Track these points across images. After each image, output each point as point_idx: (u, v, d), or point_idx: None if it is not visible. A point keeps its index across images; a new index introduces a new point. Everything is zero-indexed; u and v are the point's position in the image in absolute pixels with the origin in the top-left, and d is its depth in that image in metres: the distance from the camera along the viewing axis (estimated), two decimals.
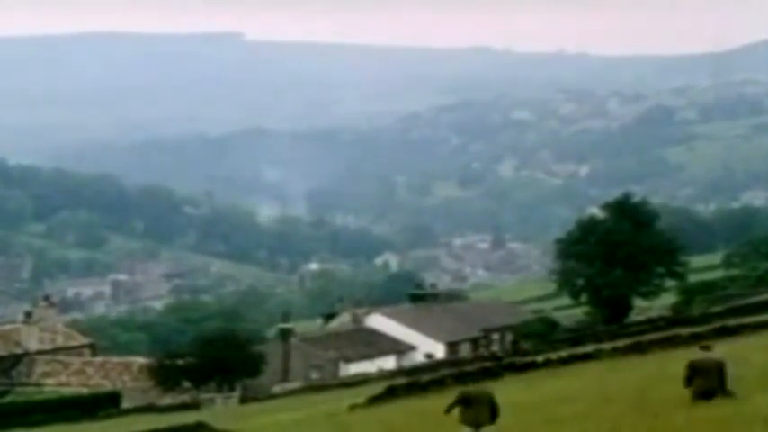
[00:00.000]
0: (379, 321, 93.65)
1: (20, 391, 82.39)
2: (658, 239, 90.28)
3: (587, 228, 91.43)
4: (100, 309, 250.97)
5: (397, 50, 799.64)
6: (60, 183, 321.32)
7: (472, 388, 26.06)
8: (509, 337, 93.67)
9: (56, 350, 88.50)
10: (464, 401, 25.32)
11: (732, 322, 54.13)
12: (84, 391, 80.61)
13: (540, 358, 52.20)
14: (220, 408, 71.56)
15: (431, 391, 47.58)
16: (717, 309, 69.36)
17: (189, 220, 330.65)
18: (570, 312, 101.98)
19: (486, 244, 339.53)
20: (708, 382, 26.21)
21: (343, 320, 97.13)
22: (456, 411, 25.72)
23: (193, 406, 71.87)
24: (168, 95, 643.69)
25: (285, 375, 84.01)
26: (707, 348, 27.14)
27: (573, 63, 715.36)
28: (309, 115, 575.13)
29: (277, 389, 76.67)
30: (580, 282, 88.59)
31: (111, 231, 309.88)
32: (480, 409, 25.11)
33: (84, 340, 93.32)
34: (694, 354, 27.10)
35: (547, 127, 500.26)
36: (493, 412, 25.16)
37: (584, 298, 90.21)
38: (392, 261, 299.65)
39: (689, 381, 26.60)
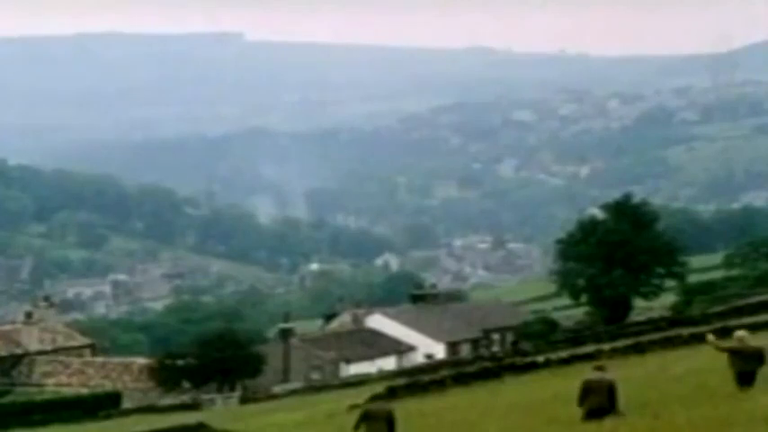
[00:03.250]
0: (379, 322, 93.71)
1: (20, 392, 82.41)
2: (658, 240, 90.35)
3: (587, 228, 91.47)
4: (100, 309, 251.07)
5: (397, 50, 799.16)
6: (60, 183, 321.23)
7: (374, 405, 28.21)
8: (509, 337, 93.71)
9: (56, 350, 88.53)
10: (366, 418, 27.01)
11: (732, 322, 54.13)
12: (85, 391, 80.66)
13: (540, 359, 52.23)
14: (221, 408, 71.59)
15: (431, 391, 47.62)
16: (717, 309, 69.36)
17: (189, 221, 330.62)
18: (570, 313, 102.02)
19: (487, 244, 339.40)
20: (598, 402, 26.83)
21: (343, 321, 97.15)
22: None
23: (194, 406, 71.91)
24: (168, 95, 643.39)
25: (285, 376, 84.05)
26: (601, 369, 27.83)
27: (573, 63, 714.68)
28: (309, 115, 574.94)
29: (277, 389, 76.70)
30: (580, 282, 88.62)
31: (111, 231, 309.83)
32: (379, 426, 26.80)
33: (84, 340, 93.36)
34: (590, 373, 27.69)
35: (547, 127, 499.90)
36: (390, 428, 26.96)
37: (584, 298, 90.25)
38: (392, 261, 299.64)
39: (582, 399, 27.20)
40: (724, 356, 28.49)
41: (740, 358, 27.68)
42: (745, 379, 27.71)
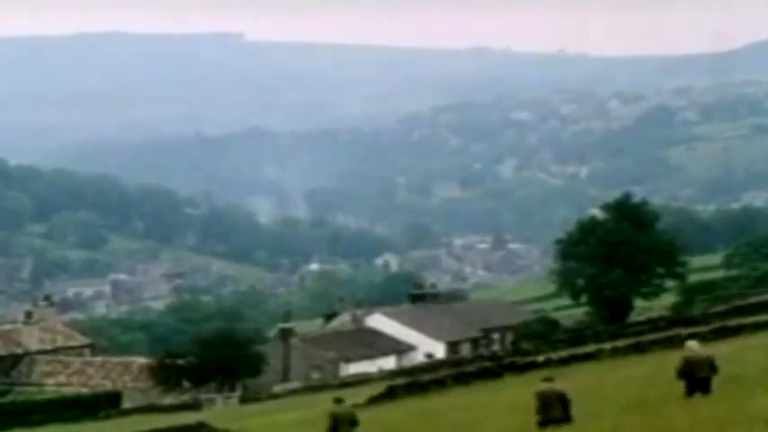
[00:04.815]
0: (379, 321, 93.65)
1: (20, 391, 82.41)
2: (659, 240, 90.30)
3: (588, 228, 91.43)
4: (100, 309, 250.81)
5: (397, 50, 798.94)
6: (60, 183, 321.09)
7: (338, 408, 29.21)
8: (509, 337, 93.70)
9: (56, 350, 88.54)
10: (336, 422, 28.61)
11: (732, 322, 54.22)
12: (85, 391, 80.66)
13: (540, 358, 52.29)
14: (221, 408, 71.61)
15: (431, 391, 47.70)
16: (717, 309, 69.40)
17: (189, 221, 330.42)
18: (570, 312, 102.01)
19: (487, 244, 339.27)
20: (552, 412, 27.81)
21: (343, 320, 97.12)
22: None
23: (194, 406, 71.93)
24: (168, 95, 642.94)
25: (285, 375, 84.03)
26: (550, 380, 28.83)
27: (573, 63, 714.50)
28: (309, 115, 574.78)
29: (277, 389, 76.75)
30: (580, 282, 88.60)
31: (111, 231, 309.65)
32: (345, 429, 28.52)
33: (84, 340, 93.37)
34: (541, 385, 28.65)
35: (547, 127, 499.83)
36: (353, 427, 28.68)
37: (584, 298, 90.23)
38: (392, 261, 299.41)
39: (541, 411, 28.11)
40: (710, 361, 28.71)
41: (697, 367, 28.49)
42: (700, 386, 28.45)
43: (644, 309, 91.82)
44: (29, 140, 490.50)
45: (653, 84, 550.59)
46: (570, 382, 40.26)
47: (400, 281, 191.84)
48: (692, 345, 29.43)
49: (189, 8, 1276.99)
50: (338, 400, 29.48)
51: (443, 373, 54.14)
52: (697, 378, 28.48)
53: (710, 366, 28.56)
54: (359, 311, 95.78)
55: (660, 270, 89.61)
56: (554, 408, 27.66)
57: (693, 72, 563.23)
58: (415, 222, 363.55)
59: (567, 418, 27.74)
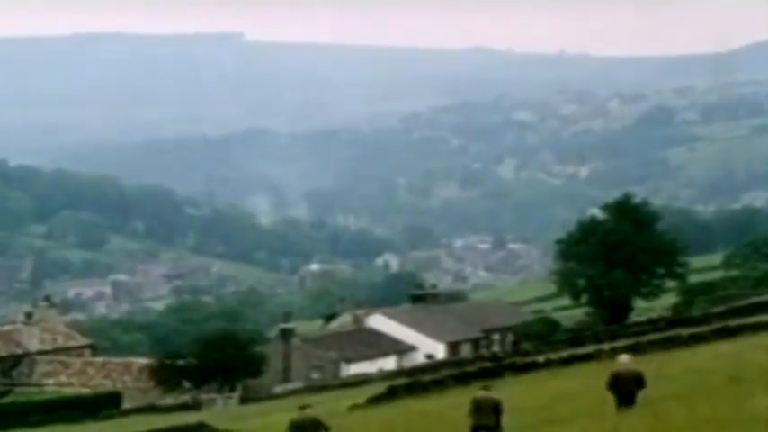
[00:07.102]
0: (379, 322, 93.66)
1: (20, 392, 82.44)
2: (659, 240, 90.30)
3: (588, 228, 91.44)
4: (100, 309, 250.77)
5: (397, 50, 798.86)
6: (61, 183, 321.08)
7: (299, 416, 29.56)
8: (510, 337, 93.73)
9: (56, 350, 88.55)
10: (294, 429, 29.24)
11: (732, 323, 54.26)
12: (85, 391, 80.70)
13: (540, 358, 52.32)
14: (221, 408, 71.67)
15: (432, 391, 47.72)
16: (717, 309, 69.45)
17: (189, 221, 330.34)
18: (571, 313, 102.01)
19: (487, 244, 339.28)
20: (485, 419, 28.23)
21: (343, 321, 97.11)
22: None
23: (194, 406, 72.00)
24: (168, 96, 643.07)
25: (286, 376, 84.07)
26: (487, 388, 29.25)
27: (573, 63, 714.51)
28: (309, 115, 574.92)
29: (278, 389, 76.81)
30: (581, 282, 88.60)
31: (111, 232, 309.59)
32: None
33: (84, 341, 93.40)
34: (478, 392, 29.01)
35: (547, 127, 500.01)
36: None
37: (584, 299, 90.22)
38: (393, 262, 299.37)
39: (472, 415, 28.51)
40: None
41: (622, 381, 28.93)
42: (625, 400, 28.91)
43: (644, 309, 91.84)
44: (29, 140, 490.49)
45: (653, 84, 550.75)
46: (571, 381, 40.33)
47: (400, 281, 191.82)
48: (623, 359, 29.80)
49: (189, 8, 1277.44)
50: (302, 407, 29.97)
51: (444, 373, 54.20)
52: (622, 392, 28.85)
53: (636, 381, 28.90)
54: (359, 312, 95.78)
55: (660, 270, 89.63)
56: (486, 415, 28.04)
57: (693, 72, 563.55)
58: (416, 222, 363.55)
59: (497, 427, 28.17)
